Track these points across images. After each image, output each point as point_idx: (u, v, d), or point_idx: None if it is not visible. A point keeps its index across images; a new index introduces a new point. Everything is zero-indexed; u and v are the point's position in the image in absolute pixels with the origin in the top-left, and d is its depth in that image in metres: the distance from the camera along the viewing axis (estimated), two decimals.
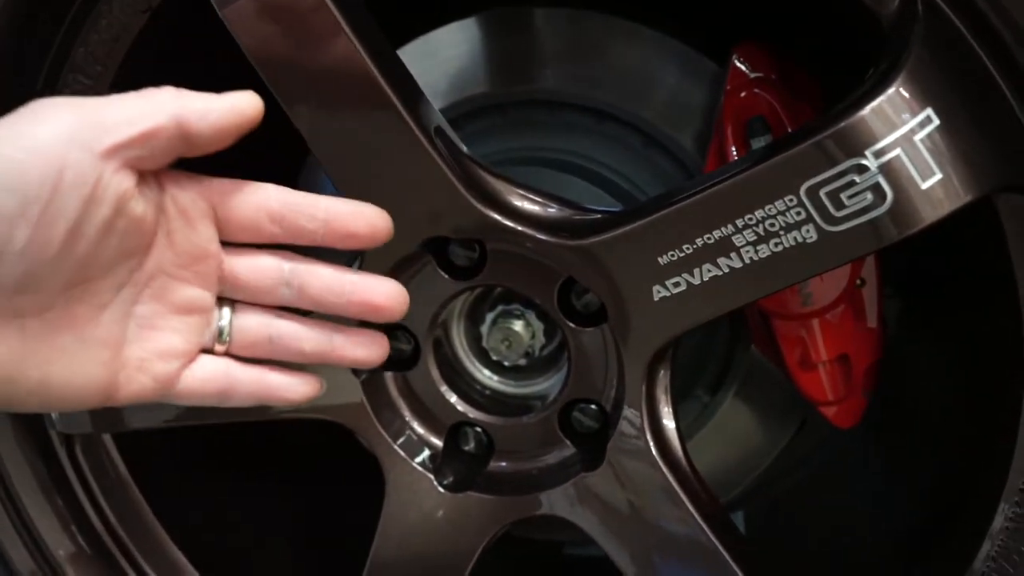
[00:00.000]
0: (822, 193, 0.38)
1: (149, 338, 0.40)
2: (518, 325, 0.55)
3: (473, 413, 0.55)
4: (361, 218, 0.42)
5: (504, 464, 0.55)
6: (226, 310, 0.42)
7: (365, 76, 0.42)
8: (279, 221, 0.41)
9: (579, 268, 0.46)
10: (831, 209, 0.38)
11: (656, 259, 0.42)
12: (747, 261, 0.40)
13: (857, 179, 0.37)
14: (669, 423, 0.50)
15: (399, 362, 0.55)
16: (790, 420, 0.67)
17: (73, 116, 0.36)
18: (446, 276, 0.51)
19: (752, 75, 0.51)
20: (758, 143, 0.49)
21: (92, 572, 0.56)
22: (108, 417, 0.54)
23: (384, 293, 0.43)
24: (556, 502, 0.52)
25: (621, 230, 0.44)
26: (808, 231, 0.38)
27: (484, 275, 0.50)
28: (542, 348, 0.57)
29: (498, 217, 0.47)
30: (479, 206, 0.46)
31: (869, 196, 0.37)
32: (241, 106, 0.39)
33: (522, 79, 0.62)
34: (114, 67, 0.49)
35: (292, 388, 0.44)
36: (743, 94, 0.51)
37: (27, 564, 0.55)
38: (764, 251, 0.39)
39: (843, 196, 0.38)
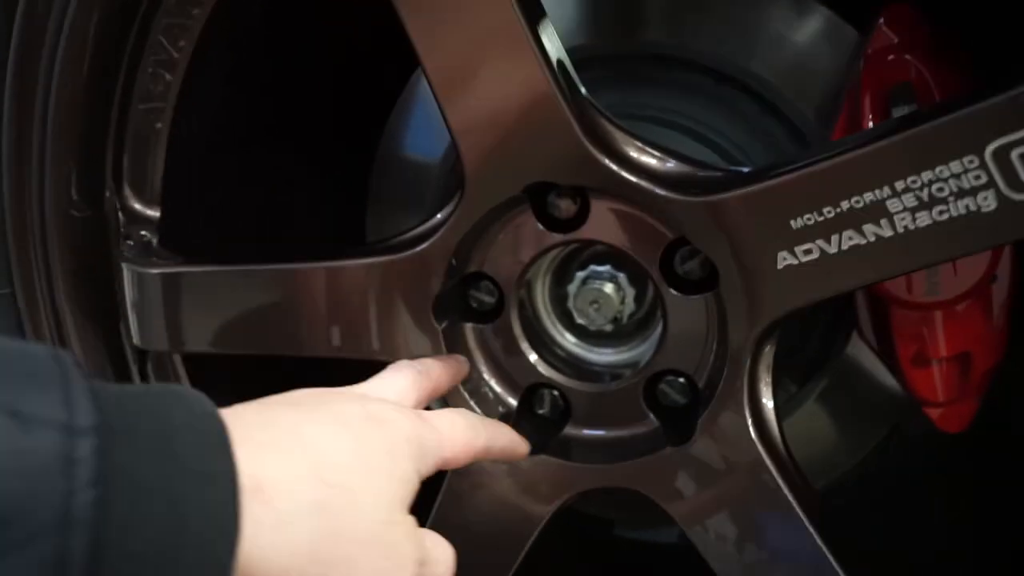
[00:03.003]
0: (1015, 155, 0.34)
1: None
2: (609, 288, 0.53)
3: (552, 375, 0.53)
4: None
5: (580, 431, 0.53)
6: None
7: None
8: None
9: (694, 228, 0.43)
10: (1022, 174, 0.34)
11: (788, 222, 0.39)
12: (900, 230, 0.36)
13: None
14: (768, 402, 0.47)
15: (481, 314, 0.52)
16: (879, 425, 0.63)
17: (413, 452, 0.37)
18: (542, 227, 0.48)
19: (898, 40, 0.47)
20: (901, 113, 0.45)
21: None
22: (180, 338, 0.53)
23: None
24: (634, 476, 0.49)
25: (749, 189, 0.41)
26: (986, 199, 0.34)
27: (583, 230, 0.48)
28: (631, 315, 0.54)
29: (615, 167, 0.44)
30: (596, 153, 0.44)
31: None
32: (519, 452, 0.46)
33: (634, 31, 0.59)
34: None
35: None
36: (889, 58, 0.46)
37: None
38: (923, 219, 0.35)
39: None
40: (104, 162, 0.52)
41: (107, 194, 0.53)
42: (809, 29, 0.54)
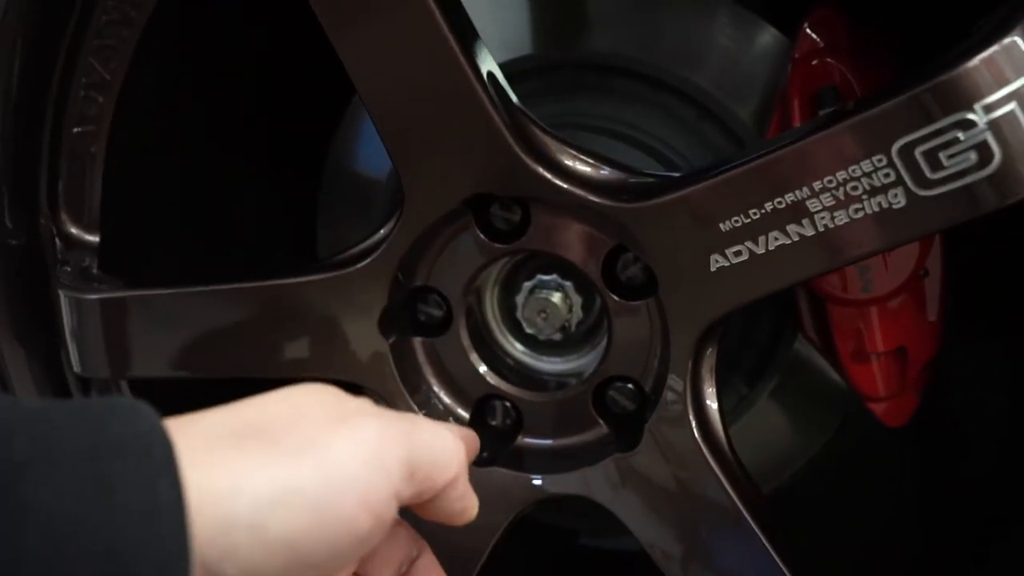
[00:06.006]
0: (918, 152, 0.35)
1: None
2: (556, 297, 0.53)
3: (503, 386, 0.53)
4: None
5: (532, 441, 0.53)
6: None
7: (418, 5, 0.40)
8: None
9: (631, 234, 0.44)
10: (926, 171, 0.35)
11: (717, 225, 0.40)
12: (820, 229, 0.37)
13: (961, 136, 0.34)
14: (712, 404, 0.47)
15: (428, 327, 0.52)
16: (831, 418, 0.64)
17: (399, 453, 0.30)
18: (485, 239, 0.49)
19: (823, 44, 0.48)
20: None
21: None
22: (124, 364, 0.52)
23: None
24: (585, 483, 0.49)
25: (679, 193, 0.41)
26: (896, 196, 0.35)
27: (525, 240, 0.48)
28: (579, 323, 0.54)
29: (548, 175, 0.44)
30: (529, 162, 0.44)
31: (972, 156, 0.34)
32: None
33: (570, 41, 0.60)
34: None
35: None
36: (814, 63, 0.48)
37: None
38: (841, 218, 0.36)
39: (942, 156, 0.34)
40: (38, 188, 0.52)
41: (42, 221, 0.52)
42: (742, 36, 0.56)
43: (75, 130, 0.51)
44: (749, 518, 0.45)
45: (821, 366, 0.62)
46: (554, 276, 0.53)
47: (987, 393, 0.61)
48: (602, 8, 0.59)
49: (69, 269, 0.52)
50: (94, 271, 0.52)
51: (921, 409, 0.54)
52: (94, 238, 0.53)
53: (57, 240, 0.52)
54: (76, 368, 0.53)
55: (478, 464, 0.51)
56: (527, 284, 0.53)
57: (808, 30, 0.49)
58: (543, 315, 0.53)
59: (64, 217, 0.52)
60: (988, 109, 0.33)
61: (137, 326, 0.51)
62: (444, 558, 0.51)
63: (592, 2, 0.59)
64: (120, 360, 0.52)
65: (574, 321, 0.54)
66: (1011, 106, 0.33)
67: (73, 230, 0.52)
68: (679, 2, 0.57)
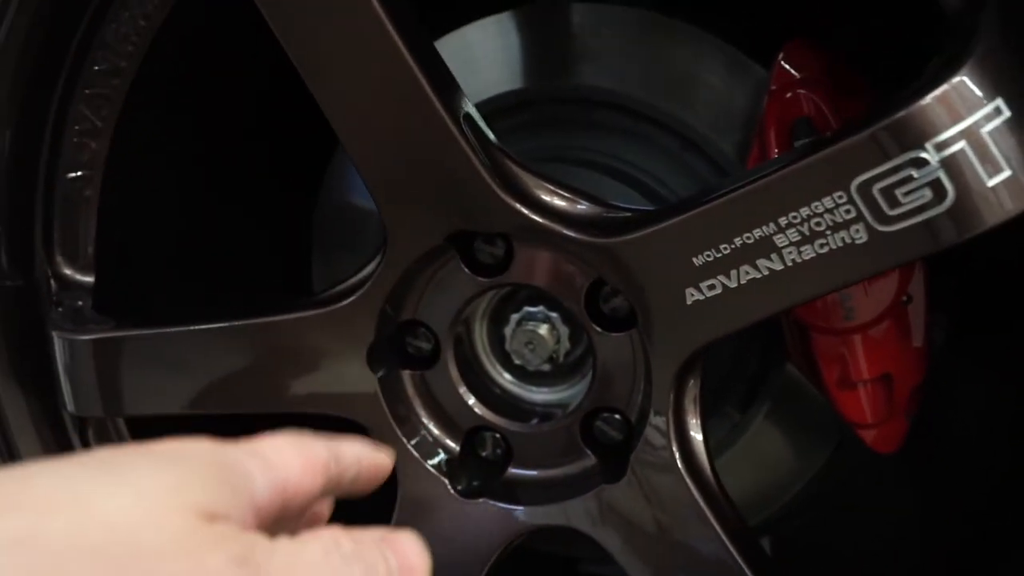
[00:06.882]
0: (875, 189, 0.35)
1: None
2: (543, 329, 0.53)
3: (492, 417, 0.53)
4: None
5: (522, 472, 0.53)
6: None
7: (394, 56, 0.41)
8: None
9: (608, 268, 0.44)
10: (884, 207, 0.35)
11: (691, 259, 0.40)
12: (789, 263, 0.37)
13: (915, 174, 0.34)
14: (697, 435, 0.47)
15: (417, 360, 0.53)
16: (825, 441, 0.64)
17: None
18: (469, 273, 0.49)
19: (799, 75, 0.49)
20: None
21: None
22: (117, 403, 0.53)
23: None
24: (574, 514, 0.49)
25: (653, 228, 0.42)
26: (858, 231, 0.35)
27: (509, 274, 0.49)
28: (567, 354, 0.55)
29: (525, 211, 0.45)
30: (506, 199, 0.45)
31: (928, 193, 0.35)
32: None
33: (558, 76, 0.61)
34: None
35: None
36: (788, 95, 0.48)
37: None
38: (808, 252, 0.37)
39: (898, 193, 0.35)
40: (33, 231, 0.53)
41: (38, 263, 0.53)
42: (719, 68, 0.56)
43: (69, 175, 0.52)
44: (734, 551, 0.44)
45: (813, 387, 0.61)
46: (541, 308, 0.53)
47: (987, 415, 0.61)
48: (591, 44, 0.60)
49: (62, 310, 0.53)
50: (87, 312, 0.54)
51: (919, 432, 0.54)
52: (88, 279, 0.54)
53: (52, 281, 0.54)
54: (70, 408, 0.54)
55: (469, 495, 0.51)
56: (515, 316, 0.54)
57: (783, 62, 0.50)
58: (530, 346, 0.53)
59: (59, 259, 0.54)
60: (939, 147, 0.34)
61: (130, 365, 0.52)
62: None
63: (583, 39, 0.61)
64: (113, 399, 0.52)
65: (562, 352, 0.54)
66: (961, 144, 0.34)
67: (68, 271, 0.54)
68: (667, 39, 0.58)
